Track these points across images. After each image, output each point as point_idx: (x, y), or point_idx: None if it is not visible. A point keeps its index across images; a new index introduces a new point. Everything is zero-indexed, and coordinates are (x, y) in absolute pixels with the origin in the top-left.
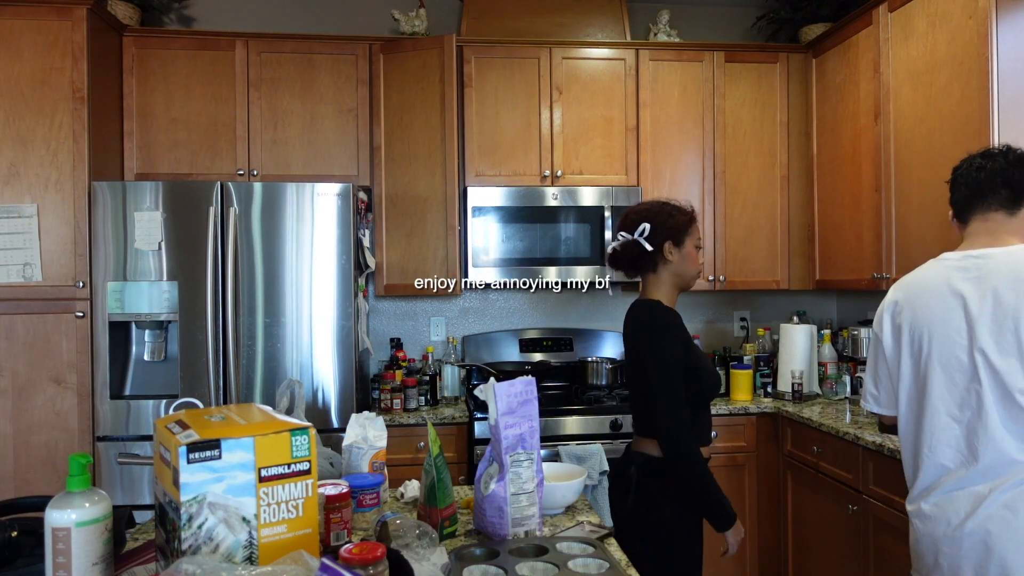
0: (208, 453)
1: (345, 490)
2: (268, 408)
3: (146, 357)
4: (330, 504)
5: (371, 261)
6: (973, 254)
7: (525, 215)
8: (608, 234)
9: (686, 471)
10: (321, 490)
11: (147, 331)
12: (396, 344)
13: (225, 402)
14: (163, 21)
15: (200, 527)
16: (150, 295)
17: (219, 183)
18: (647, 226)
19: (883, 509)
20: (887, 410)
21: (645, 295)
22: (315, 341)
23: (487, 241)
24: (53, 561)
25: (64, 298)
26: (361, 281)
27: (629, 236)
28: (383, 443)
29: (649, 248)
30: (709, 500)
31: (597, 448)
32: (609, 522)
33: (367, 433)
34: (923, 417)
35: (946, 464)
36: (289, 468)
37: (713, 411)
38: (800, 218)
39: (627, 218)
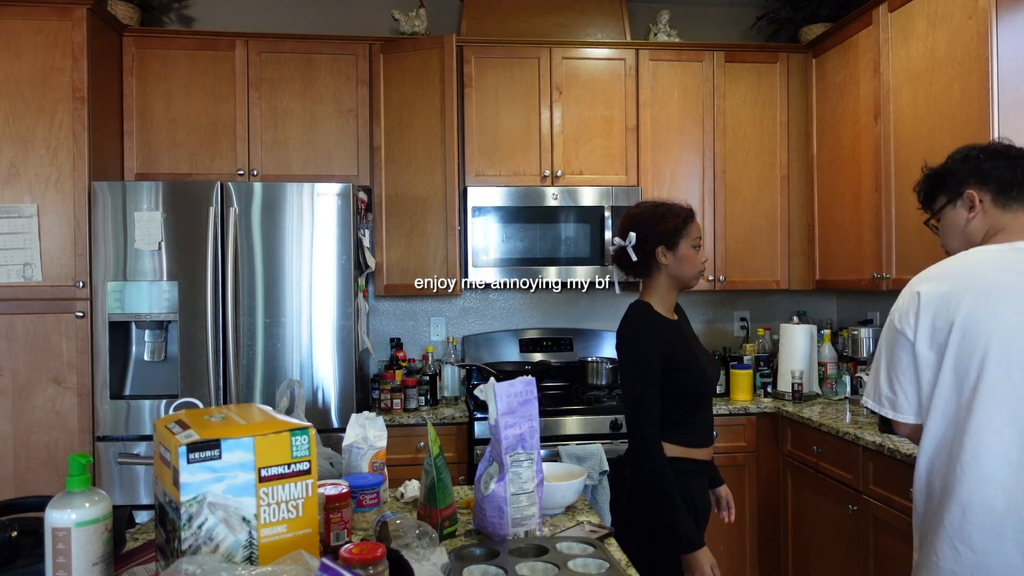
0: (208, 453)
1: (345, 490)
2: (268, 408)
3: (146, 357)
4: (330, 504)
5: (371, 261)
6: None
7: (525, 215)
8: (608, 234)
9: (649, 479)
10: (321, 490)
11: (147, 331)
12: (396, 344)
13: (225, 402)
14: (163, 21)
15: (200, 527)
16: (150, 295)
17: (219, 183)
18: (634, 235)
19: (883, 509)
20: (905, 416)
21: (642, 296)
22: (315, 341)
23: (487, 241)
24: (53, 561)
25: (64, 298)
26: (361, 281)
27: (621, 243)
28: (383, 443)
29: (634, 258)
30: (665, 514)
31: (597, 448)
32: (609, 522)
33: (367, 433)
34: (970, 425)
35: (997, 477)
36: (289, 468)
37: (713, 411)
38: (800, 218)
39: (621, 223)
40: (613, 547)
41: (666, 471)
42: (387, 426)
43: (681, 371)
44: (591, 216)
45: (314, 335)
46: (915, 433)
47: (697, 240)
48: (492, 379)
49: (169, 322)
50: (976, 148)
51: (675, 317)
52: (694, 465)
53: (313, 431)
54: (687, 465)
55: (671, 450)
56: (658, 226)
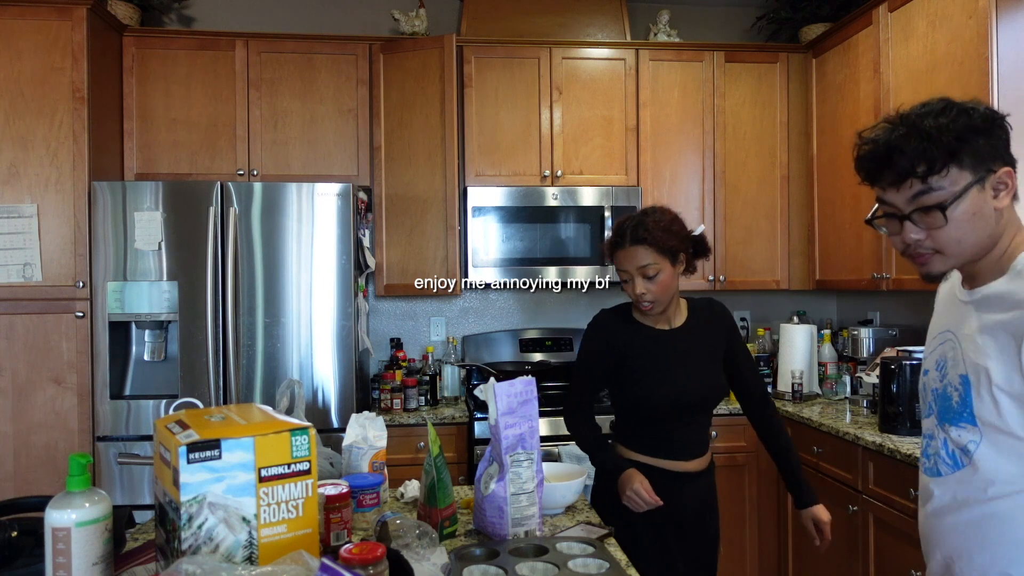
0: (208, 453)
1: (345, 490)
2: (268, 408)
3: (146, 357)
4: (330, 504)
5: (371, 261)
6: None
7: (525, 215)
8: (608, 234)
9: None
10: (321, 490)
11: (147, 331)
12: (396, 344)
13: (225, 402)
14: (163, 21)
15: (200, 527)
16: (150, 295)
17: (219, 183)
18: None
19: (883, 509)
20: None
21: None
22: (315, 341)
23: (487, 241)
24: (53, 561)
25: (64, 298)
26: (361, 281)
27: None
28: (383, 443)
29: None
30: (590, 457)
31: None
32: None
33: (367, 433)
34: None
35: None
36: (289, 468)
37: (713, 410)
38: (800, 218)
39: None
40: (613, 547)
41: (577, 425)
42: (387, 426)
43: (632, 383)
44: (591, 216)
45: (314, 335)
46: None
47: (622, 273)
48: (492, 379)
49: (169, 322)
50: (988, 108)
51: (667, 326)
52: (661, 473)
53: (313, 431)
54: (652, 472)
55: (630, 454)
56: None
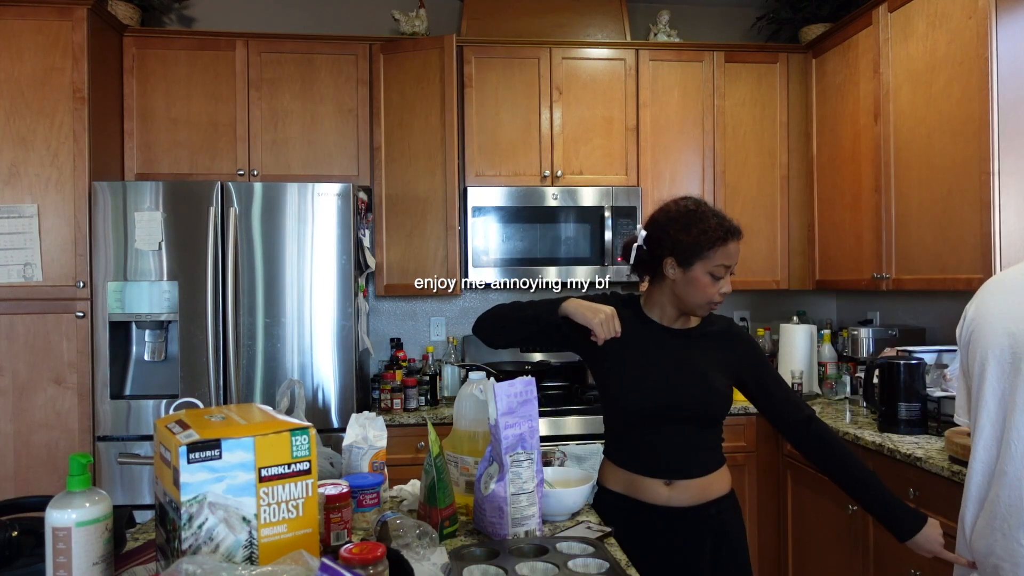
0: (208, 453)
1: (345, 490)
2: (268, 408)
3: (146, 357)
4: (330, 504)
5: (371, 261)
6: None
7: (525, 215)
8: (608, 234)
9: (483, 323)
10: (321, 490)
11: (147, 331)
12: (396, 344)
13: (225, 402)
14: (163, 21)
15: (200, 527)
16: (150, 295)
17: (219, 183)
18: (644, 233)
19: None
20: None
21: (643, 292)
22: (315, 341)
23: (487, 241)
24: (53, 561)
25: (64, 298)
26: (361, 281)
27: (635, 236)
28: (383, 443)
29: (642, 258)
30: (522, 315)
31: (598, 448)
32: None
33: (367, 433)
34: None
35: None
36: (289, 468)
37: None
38: (800, 218)
39: (652, 214)
40: (613, 547)
41: (505, 307)
42: (387, 426)
43: (610, 375)
44: (591, 216)
45: (314, 335)
46: None
47: (719, 269)
48: (492, 379)
49: (169, 322)
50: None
51: (684, 325)
52: (641, 508)
53: (313, 431)
54: (626, 503)
55: (613, 479)
56: (678, 233)
